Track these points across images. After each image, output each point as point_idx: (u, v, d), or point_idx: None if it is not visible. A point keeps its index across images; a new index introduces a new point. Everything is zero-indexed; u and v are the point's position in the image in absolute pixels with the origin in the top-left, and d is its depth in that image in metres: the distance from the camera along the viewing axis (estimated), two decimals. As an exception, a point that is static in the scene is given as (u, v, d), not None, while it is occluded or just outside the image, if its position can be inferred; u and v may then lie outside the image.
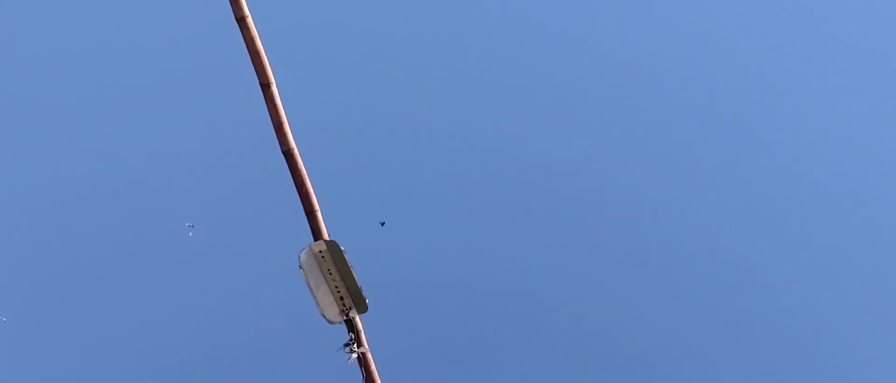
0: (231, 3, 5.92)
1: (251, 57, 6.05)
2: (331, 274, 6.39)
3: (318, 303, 6.45)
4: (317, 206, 6.28)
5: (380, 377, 6.66)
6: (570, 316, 15.43)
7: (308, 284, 6.41)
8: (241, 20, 5.95)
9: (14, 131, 14.83)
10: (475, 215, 15.60)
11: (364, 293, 6.43)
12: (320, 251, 6.34)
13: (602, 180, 15.57)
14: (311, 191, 6.25)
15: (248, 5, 5.97)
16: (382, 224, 13.56)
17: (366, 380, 6.58)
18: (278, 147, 6.18)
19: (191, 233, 13.03)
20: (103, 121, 14.98)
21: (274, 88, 6.11)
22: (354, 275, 6.40)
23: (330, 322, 6.49)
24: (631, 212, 15.52)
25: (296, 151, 6.19)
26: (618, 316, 15.42)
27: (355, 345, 6.49)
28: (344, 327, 6.53)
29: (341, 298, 6.44)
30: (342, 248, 6.33)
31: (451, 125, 15.67)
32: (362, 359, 6.53)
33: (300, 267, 6.39)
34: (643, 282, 15.39)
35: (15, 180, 14.83)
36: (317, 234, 6.33)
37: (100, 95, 15.00)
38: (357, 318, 6.51)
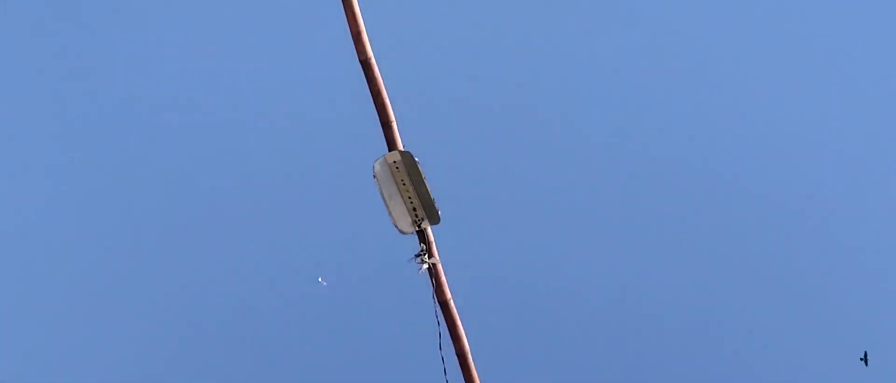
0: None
1: (331, -35, 6.04)
2: (404, 184, 6.41)
3: (390, 213, 6.49)
4: (392, 117, 6.29)
5: (449, 288, 6.71)
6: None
7: (381, 194, 6.44)
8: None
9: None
10: (554, 143, 15.47)
11: (437, 204, 6.45)
12: (394, 161, 6.36)
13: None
14: (387, 101, 6.26)
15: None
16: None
17: (436, 291, 6.63)
18: (356, 56, 6.19)
19: (323, 281, 13.23)
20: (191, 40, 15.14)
21: (353, -3, 6.10)
22: (428, 187, 6.42)
23: (402, 232, 6.53)
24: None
25: (373, 61, 6.19)
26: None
27: (426, 256, 6.54)
28: (415, 237, 6.58)
29: (414, 209, 6.47)
30: (416, 159, 6.35)
31: (534, 40, 15.50)
32: (433, 270, 6.58)
33: (374, 176, 6.42)
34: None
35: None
36: (391, 145, 6.34)
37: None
38: (429, 229, 6.54)
